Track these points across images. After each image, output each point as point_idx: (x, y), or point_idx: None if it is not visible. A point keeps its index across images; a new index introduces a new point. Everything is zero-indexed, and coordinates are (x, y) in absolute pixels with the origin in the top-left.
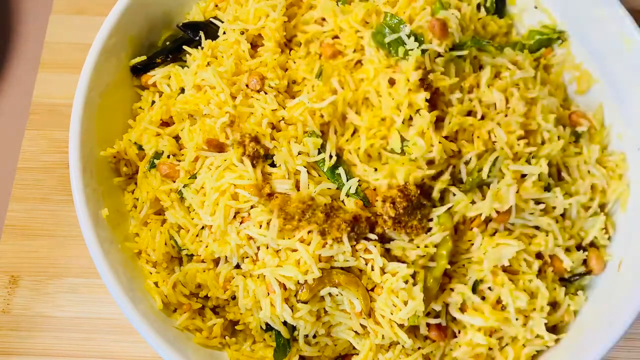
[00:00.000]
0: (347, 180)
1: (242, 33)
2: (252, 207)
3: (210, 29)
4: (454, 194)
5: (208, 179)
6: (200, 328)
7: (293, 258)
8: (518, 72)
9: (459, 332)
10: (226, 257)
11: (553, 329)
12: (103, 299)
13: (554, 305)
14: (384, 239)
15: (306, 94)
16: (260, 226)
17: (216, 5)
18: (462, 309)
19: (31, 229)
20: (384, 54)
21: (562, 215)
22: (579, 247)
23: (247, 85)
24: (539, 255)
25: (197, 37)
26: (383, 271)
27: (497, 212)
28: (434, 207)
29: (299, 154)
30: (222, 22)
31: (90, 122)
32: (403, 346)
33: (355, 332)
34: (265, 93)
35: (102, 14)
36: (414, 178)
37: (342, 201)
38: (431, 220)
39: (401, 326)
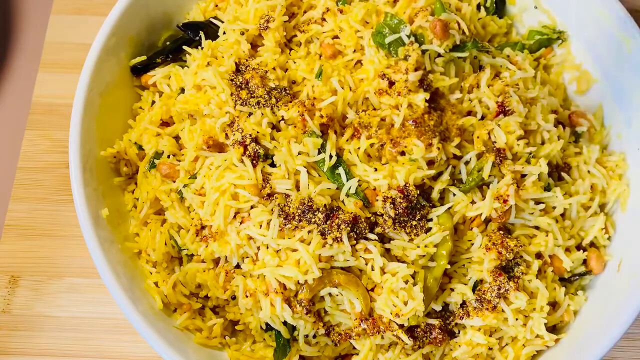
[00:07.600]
0: (347, 181)
1: (242, 33)
2: (252, 207)
3: (210, 29)
4: (454, 194)
5: (208, 179)
6: (200, 328)
7: (293, 258)
8: (518, 72)
9: (459, 332)
10: (226, 257)
11: (553, 329)
12: (103, 299)
13: (554, 305)
14: (384, 239)
15: (306, 94)
16: (260, 226)
17: (216, 5)
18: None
19: (31, 229)
20: (384, 54)
21: (562, 215)
22: (579, 247)
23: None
24: (539, 255)
25: (197, 37)
26: (383, 271)
27: (497, 212)
28: (434, 207)
29: (299, 154)
30: (222, 22)
31: (90, 122)
32: (403, 346)
33: None
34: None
35: (102, 14)
36: (414, 178)
37: (342, 201)
38: (431, 220)
39: (401, 326)
